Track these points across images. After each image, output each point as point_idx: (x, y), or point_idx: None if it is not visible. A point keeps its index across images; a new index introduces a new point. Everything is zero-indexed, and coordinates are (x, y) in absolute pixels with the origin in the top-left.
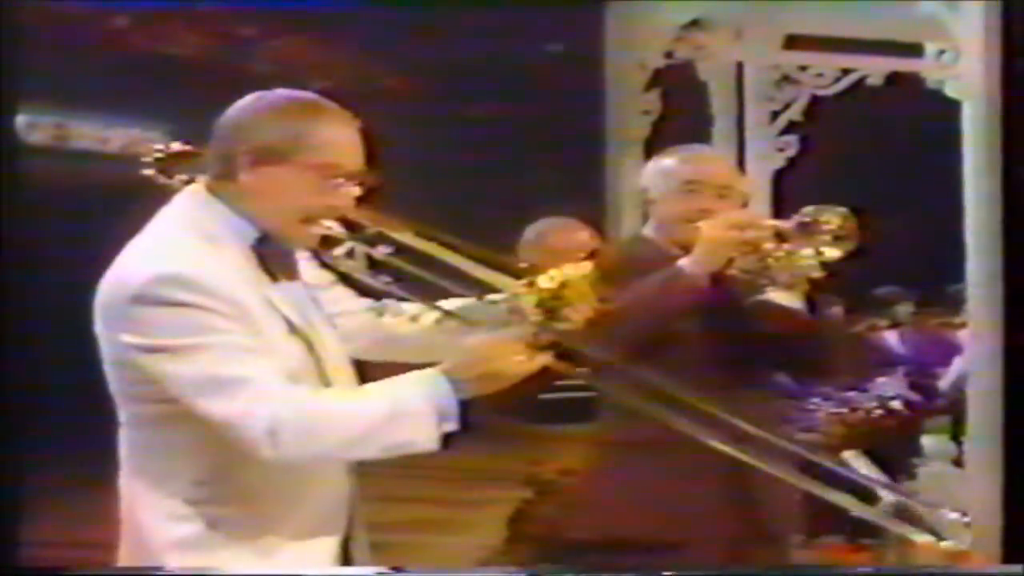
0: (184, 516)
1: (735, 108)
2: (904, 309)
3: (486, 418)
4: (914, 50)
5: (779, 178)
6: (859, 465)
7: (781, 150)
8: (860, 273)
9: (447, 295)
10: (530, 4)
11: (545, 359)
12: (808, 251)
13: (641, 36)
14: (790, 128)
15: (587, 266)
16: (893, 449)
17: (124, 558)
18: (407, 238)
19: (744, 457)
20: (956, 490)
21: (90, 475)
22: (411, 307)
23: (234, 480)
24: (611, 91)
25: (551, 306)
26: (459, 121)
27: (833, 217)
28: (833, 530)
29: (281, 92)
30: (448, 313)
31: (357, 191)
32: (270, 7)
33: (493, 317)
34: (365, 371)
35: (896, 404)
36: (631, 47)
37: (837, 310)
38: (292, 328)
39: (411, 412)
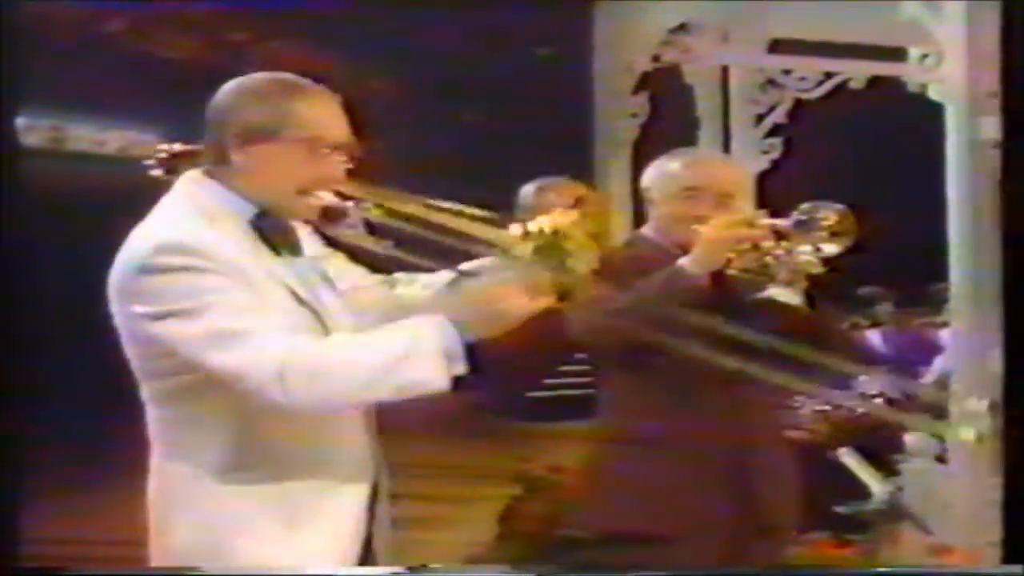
0: (215, 488)
1: (720, 111)
2: (885, 308)
3: (477, 415)
4: (897, 54)
5: (763, 180)
6: (852, 462)
7: (765, 152)
8: (843, 273)
9: (448, 255)
10: (519, 6)
11: (547, 300)
12: (806, 248)
13: (629, 40)
14: (774, 131)
15: (574, 214)
16: (876, 446)
17: (156, 536)
18: (401, 206)
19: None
20: (940, 486)
21: (90, 474)
22: (423, 277)
23: (260, 446)
24: (599, 94)
25: (550, 255)
26: (449, 123)
27: (830, 214)
28: (819, 526)
29: (261, 74)
30: (463, 274)
31: (346, 162)
32: (263, 11)
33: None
34: None
35: (879, 401)
36: (619, 51)
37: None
38: (299, 300)
39: (419, 352)
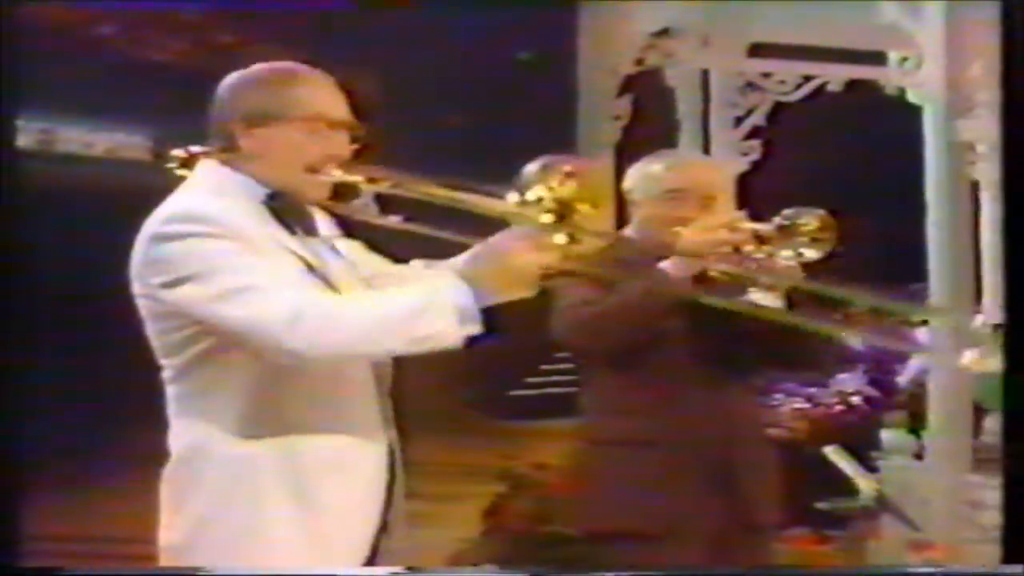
0: (229, 462)
1: (701, 113)
2: (860, 307)
3: (462, 413)
4: (877, 58)
5: (743, 181)
6: (838, 459)
7: (745, 154)
8: (821, 273)
9: (459, 227)
10: (504, 9)
11: (555, 255)
12: (787, 253)
13: (613, 43)
14: (754, 133)
15: (571, 185)
16: (853, 443)
17: (169, 514)
18: (406, 189)
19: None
20: (917, 483)
21: (89, 474)
22: (442, 263)
23: (275, 417)
24: (584, 97)
25: (555, 218)
26: (434, 127)
27: (812, 219)
28: (799, 522)
29: (259, 64)
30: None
31: (350, 141)
32: (250, 15)
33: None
34: None
35: (856, 399)
36: (603, 54)
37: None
38: (311, 270)
39: (431, 306)
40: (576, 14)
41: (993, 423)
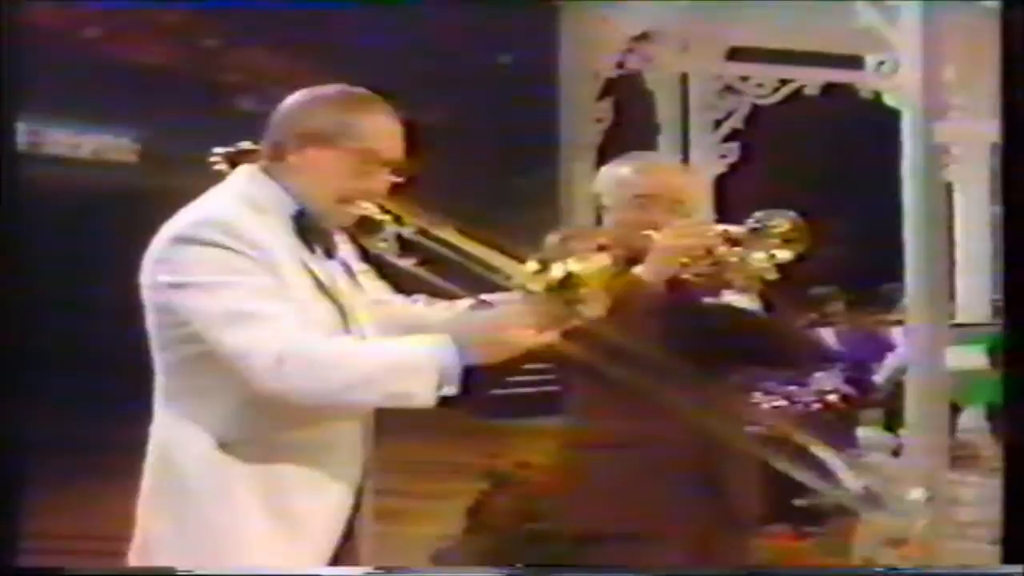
0: (213, 456)
1: (680, 116)
2: (837, 307)
3: (446, 412)
4: (854, 61)
5: (721, 183)
6: (826, 457)
7: (723, 156)
8: (796, 273)
9: (468, 282)
10: (486, 13)
11: (551, 336)
12: (760, 255)
13: (595, 48)
14: (732, 135)
15: (602, 259)
16: (831, 440)
17: (146, 501)
18: (434, 228)
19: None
20: (895, 480)
21: (89, 473)
22: (444, 302)
23: (257, 425)
24: (566, 100)
25: (562, 296)
26: (417, 129)
27: (783, 221)
28: (778, 519)
29: (335, 86)
30: (482, 302)
31: (393, 178)
32: (233, 18)
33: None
34: None
35: (833, 398)
36: (585, 58)
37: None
38: (323, 289)
39: (414, 366)
40: (558, 19)
41: (967, 420)
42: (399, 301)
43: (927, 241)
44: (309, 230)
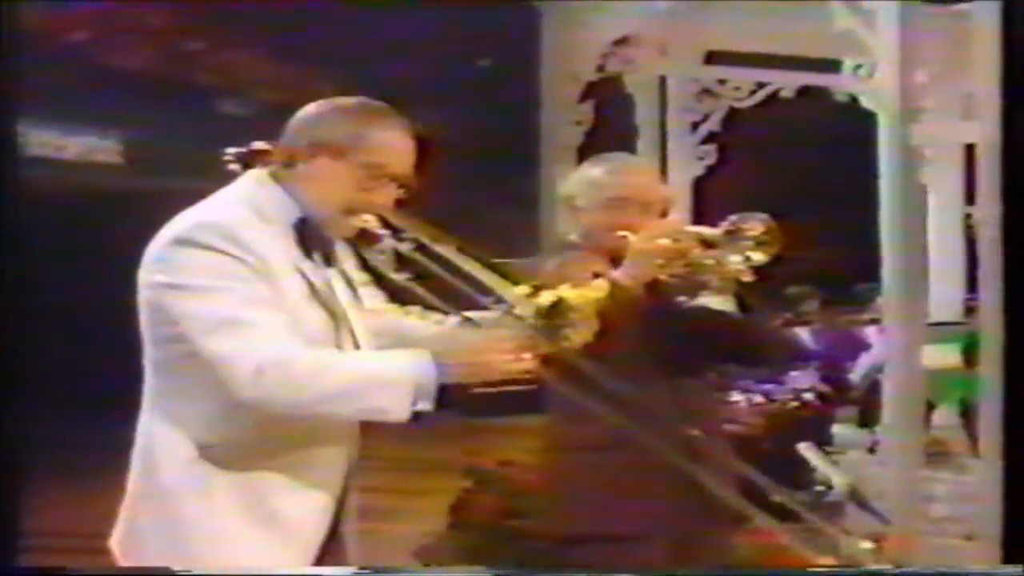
0: (195, 456)
1: (659, 118)
2: (811, 307)
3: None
4: (831, 64)
5: (699, 185)
6: (811, 454)
7: (701, 159)
8: (772, 273)
9: (458, 300)
10: (468, 16)
11: (531, 363)
12: (735, 257)
13: (575, 51)
14: (710, 138)
15: (599, 288)
16: (807, 438)
17: (133, 495)
18: (433, 243)
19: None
20: (872, 476)
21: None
22: (436, 316)
23: (240, 426)
24: (546, 102)
25: (550, 321)
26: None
27: (757, 224)
28: (760, 516)
29: (352, 97)
30: (468, 320)
31: (398, 193)
32: (217, 22)
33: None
34: None
35: (809, 396)
36: (565, 61)
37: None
38: (317, 297)
39: (390, 382)
40: (539, 23)
41: (940, 418)
42: (392, 312)
43: (903, 242)
44: (310, 237)
